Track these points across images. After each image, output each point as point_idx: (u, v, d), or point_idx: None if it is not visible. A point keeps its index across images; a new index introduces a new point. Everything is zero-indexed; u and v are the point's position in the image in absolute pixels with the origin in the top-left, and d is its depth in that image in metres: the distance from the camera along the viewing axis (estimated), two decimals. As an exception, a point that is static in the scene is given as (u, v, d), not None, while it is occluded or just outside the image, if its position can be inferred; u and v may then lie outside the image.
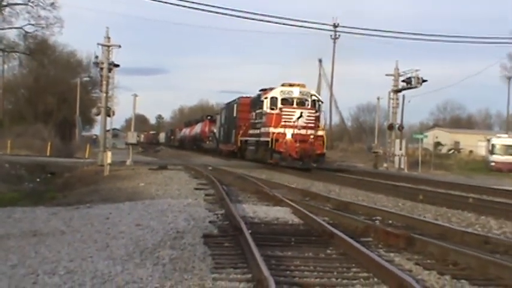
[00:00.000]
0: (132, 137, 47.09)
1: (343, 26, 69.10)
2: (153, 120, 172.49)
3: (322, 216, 14.93)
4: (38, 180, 33.12)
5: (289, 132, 36.18)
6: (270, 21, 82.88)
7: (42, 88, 69.47)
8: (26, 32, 53.62)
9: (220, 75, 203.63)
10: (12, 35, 52.82)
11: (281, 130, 36.47)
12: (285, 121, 36.79)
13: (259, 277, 8.10)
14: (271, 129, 36.88)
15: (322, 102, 40.73)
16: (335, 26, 47.46)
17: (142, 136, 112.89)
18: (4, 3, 50.12)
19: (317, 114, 38.63)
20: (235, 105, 51.40)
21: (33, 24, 52.48)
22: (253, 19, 69.57)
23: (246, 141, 45.82)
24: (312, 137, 36.64)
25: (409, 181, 33.80)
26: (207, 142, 72.54)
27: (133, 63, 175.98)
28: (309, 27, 70.76)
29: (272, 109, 38.08)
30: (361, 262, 9.82)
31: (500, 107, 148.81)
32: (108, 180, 29.54)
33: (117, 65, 42.48)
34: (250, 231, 11.69)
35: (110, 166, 34.73)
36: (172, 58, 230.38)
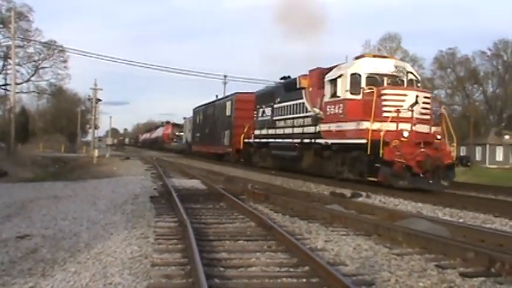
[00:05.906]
0: (109, 141, 49.27)
1: (230, 76, 69.56)
2: (121, 131, 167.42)
3: (218, 184, 14.84)
4: (56, 166, 31.93)
5: (406, 130, 13.98)
6: (187, 74, 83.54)
7: (59, 114, 70.24)
8: (51, 83, 55.70)
9: (158, 104, 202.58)
10: (43, 84, 55.39)
11: (392, 126, 14.04)
12: (389, 111, 14.28)
13: (181, 219, 8.08)
14: (366, 125, 14.40)
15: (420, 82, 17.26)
16: (225, 76, 48.57)
17: (115, 140, 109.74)
18: (40, 67, 52.46)
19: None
20: (228, 103, 29.60)
21: (54, 78, 54.54)
22: (179, 72, 70.48)
23: (266, 143, 23.42)
24: (438, 136, 14.74)
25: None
26: (171, 143, 55.22)
27: (109, 98, 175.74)
28: (212, 77, 71.06)
29: (353, 93, 15.40)
30: (239, 210, 9.87)
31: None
32: (96, 166, 28.50)
33: (100, 100, 46.88)
34: (176, 193, 11.54)
35: (96, 158, 33.74)
36: (131, 94, 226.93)
